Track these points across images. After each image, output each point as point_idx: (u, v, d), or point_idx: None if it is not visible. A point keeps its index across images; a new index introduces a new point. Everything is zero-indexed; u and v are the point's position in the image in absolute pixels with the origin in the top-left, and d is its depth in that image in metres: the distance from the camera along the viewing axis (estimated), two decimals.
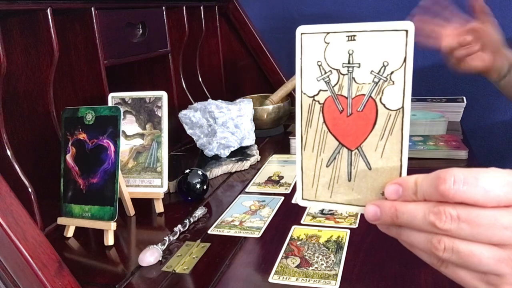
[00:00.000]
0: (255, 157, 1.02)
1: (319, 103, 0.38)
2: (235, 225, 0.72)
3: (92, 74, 0.85)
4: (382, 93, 0.35)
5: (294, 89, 1.27)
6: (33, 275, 0.52)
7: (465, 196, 0.30)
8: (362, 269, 0.58)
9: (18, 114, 0.80)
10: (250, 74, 1.50)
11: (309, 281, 0.56)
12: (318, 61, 0.37)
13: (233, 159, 1.00)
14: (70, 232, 0.72)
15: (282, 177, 0.92)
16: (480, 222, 0.30)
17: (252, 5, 1.57)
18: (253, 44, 1.44)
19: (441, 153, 0.95)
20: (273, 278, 0.57)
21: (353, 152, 0.37)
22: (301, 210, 0.75)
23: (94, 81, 0.85)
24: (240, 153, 1.04)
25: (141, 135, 0.82)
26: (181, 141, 1.15)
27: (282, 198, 0.81)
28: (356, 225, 0.69)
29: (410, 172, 0.36)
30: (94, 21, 0.82)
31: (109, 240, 0.68)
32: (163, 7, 1.06)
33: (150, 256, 0.62)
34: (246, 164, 0.99)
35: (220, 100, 1.06)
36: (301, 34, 0.37)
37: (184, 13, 1.16)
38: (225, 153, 1.02)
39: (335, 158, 0.38)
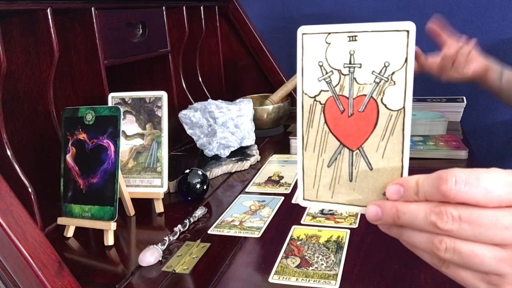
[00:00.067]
0: (255, 157, 1.02)
1: (320, 103, 0.38)
2: (235, 225, 0.72)
3: (92, 74, 0.85)
4: (383, 93, 0.35)
5: (294, 89, 1.28)
6: (33, 275, 0.52)
7: (466, 196, 0.30)
8: (362, 269, 0.58)
9: (18, 114, 0.80)
10: (250, 74, 1.50)
11: (309, 281, 0.56)
12: (319, 62, 0.37)
13: (233, 159, 1.00)
14: (70, 232, 0.72)
15: (282, 177, 0.92)
16: (482, 222, 0.30)
17: (252, 5, 1.57)
18: (253, 44, 1.44)
19: (441, 153, 0.95)
20: (273, 278, 0.57)
21: (354, 153, 0.37)
22: (301, 210, 0.75)
23: (94, 81, 0.85)
24: (240, 153, 1.04)
25: (141, 135, 0.82)
26: (181, 141, 1.15)
27: (282, 198, 0.81)
28: (356, 225, 0.69)
29: (410, 172, 0.36)
30: (94, 21, 0.82)
31: (109, 240, 0.68)
32: (163, 7, 1.06)
33: (150, 256, 0.62)
34: (246, 164, 0.99)
35: (220, 100, 1.06)
36: (302, 34, 0.37)
37: (184, 13, 1.16)
38: (225, 153, 1.02)
39: (336, 158, 0.38)
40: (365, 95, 0.36)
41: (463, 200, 0.30)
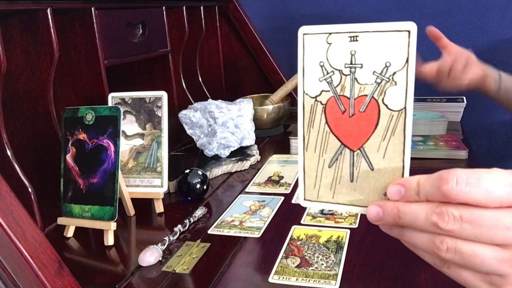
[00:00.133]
0: (255, 157, 1.02)
1: (321, 103, 0.38)
2: (235, 225, 0.72)
3: (92, 74, 0.85)
4: (385, 93, 0.35)
5: (294, 89, 1.28)
6: (33, 275, 0.52)
7: (467, 196, 0.30)
8: (362, 269, 0.58)
9: (18, 114, 0.80)
10: (250, 74, 1.50)
11: (309, 281, 0.56)
12: (320, 62, 0.37)
13: (233, 159, 1.00)
14: (70, 232, 0.72)
15: (282, 177, 0.92)
16: (483, 222, 0.30)
17: (252, 5, 1.57)
18: (253, 44, 1.44)
19: (441, 153, 0.95)
20: (273, 278, 0.57)
21: (355, 153, 0.37)
22: (301, 210, 0.75)
23: (94, 81, 0.85)
24: (240, 153, 1.04)
25: (141, 135, 0.82)
26: (181, 141, 1.15)
27: (282, 198, 0.81)
28: (356, 225, 0.69)
29: (410, 172, 0.36)
30: (94, 21, 0.82)
31: (109, 240, 0.68)
32: (163, 7, 1.06)
33: (150, 256, 0.62)
34: (246, 164, 0.99)
35: (220, 100, 1.06)
36: (303, 34, 0.37)
37: (184, 13, 1.16)
38: (225, 153, 1.02)
39: (337, 158, 0.38)
40: (366, 95, 0.36)
41: (464, 201, 0.30)
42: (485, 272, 0.31)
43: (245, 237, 0.68)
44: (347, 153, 0.37)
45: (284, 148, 1.10)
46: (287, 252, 0.63)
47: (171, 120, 0.90)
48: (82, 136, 0.72)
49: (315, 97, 0.38)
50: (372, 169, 0.37)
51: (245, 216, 0.75)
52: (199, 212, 0.76)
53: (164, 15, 1.06)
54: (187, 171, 0.83)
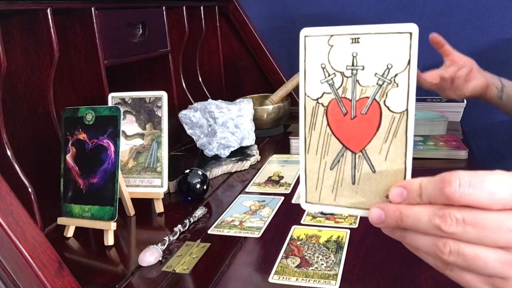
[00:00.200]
0: (255, 157, 1.02)
1: (323, 105, 0.38)
2: (235, 225, 0.72)
3: (92, 74, 0.85)
4: (386, 95, 0.35)
5: (294, 89, 1.28)
6: (33, 275, 0.52)
7: (470, 199, 0.30)
8: (362, 269, 0.58)
9: (18, 114, 0.80)
10: (250, 74, 1.50)
11: (309, 281, 0.56)
12: (321, 64, 0.37)
13: (233, 159, 1.00)
14: (70, 232, 0.72)
15: (282, 177, 0.92)
16: (486, 225, 0.30)
17: (252, 5, 1.57)
18: (253, 44, 1.44)
19: (441, 153, 0.95)
20: (273, 278, 0.57)
21: (357, 155, 0.37)
22: (301, 210, 0.74)
23: (94, 81, 0.85)
24: (240, 153, 1.04)
25: (141, 135, 0.82)
26: (181, 141, 1.15)
27: (282, 198, 0.81)
28: (356, 225, 0.69)
29: (411, 172, 0.36)
30: (94, 21, 0.82)
31: (109, 240, 0.68)
32: (163, 7, 1.06)
33: (150, 256, 0.62)
34: (246, 164, 0.99)
35: (220, 100, 1.06)
36: (305, 36, 0.37)
37: (184, 13, 1.16)
38: (225, 153, 1.02)
39: (339, 161, 0.38)
40: (368, 97, 0.36)
41: (467, 203, 0.30)
42: (488, 275, 0.31)
43: (245, 237, 0.68)
44: (349, 155, 0.37)
45: (284, 148, 1.10)
46: (287, 252, 0.63)
47: (171, 120, 0.90)
48: (82, 136, 0.72)
49: (317, 99, 0.38)
50: (374, 172, 0.37)
51: (245, 216, 0.75)
52: (199, 212, 0.76)
53: (164, 15, 1.06)
54: (187, 171, 0.83)
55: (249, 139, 1.06)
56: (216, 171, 0.95)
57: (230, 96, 1.32)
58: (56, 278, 0.53)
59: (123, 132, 0.82)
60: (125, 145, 0.82)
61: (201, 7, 1.26)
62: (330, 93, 0.37)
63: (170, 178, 0.82)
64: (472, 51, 1.41)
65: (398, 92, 0.35)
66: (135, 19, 0.96)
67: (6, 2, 0.67)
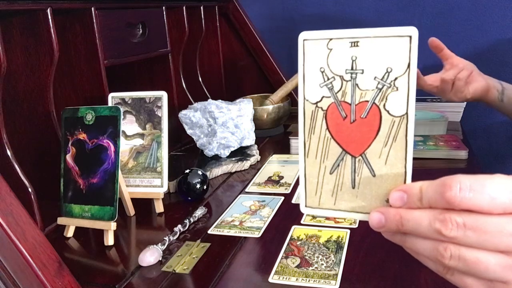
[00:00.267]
0: (255, 157, 1.02)
1: (322, 109, 0.37)
2: (235, 225, 0.72)
3: (92, 74, 0.85)
4: (386, 99, 0.35)
5: (294, 89, 1.28)
6: (33, 275, 0.52)
7: (471, 203, 0.30)
8: (362, 269, 0.58)
9: (18, 114, 0.80)
10: (250, 74, 1.50)
11: (309, 281, 0.56)
12: (321, 68, 0.37)
13: (233, 159, 1.00)
14: (70, 232, 0.72)
15: (282, 177, 0.92)
16: (487, 229, 0.30)
17: (252, 5, 1.57)
18: (253, 44, 1.44)
19: (441, 153, 0.95)
20: (273, 278, 0.57)
21: (357, 159, 0.37)
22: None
23: (94, 81, 0.85)
24: (240, 153, 1.04)
25: (141, 135, 0.82)
26: (181, 141, 1.15)
27: (282, 198, 0.81)
28: (356, 225, 0.69)
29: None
30: (94, 21, 0.82)
31: (109, 240, 0.68)
32: (163, 7, 1.06)
33: (150, 256, 0.62)
34: (246, 164, 0.99)
35: (220, 100, 1.06)
36: (304, 40, 0.37)
37: (184, 13, 1.16)
38: (225, 153, 1.02)
39: (338, 165, 0.38)
40: (368, 101, 0.36)
41: (467, 207, 0.30)
42: (489, 279, 0.31)
43: (245, 237, 0.68)
44: (349, 159, 0.37)
45: (284, 148, 1.10)
46: (287, 252, 0.63)
47: (171, 120, 0.90)
48: (82, 136, 0.72)
49: (316, 103, 0.37)
50: (374, 176, 0.36)
51: (245, 216, 0.75)
52: (199, 212, 0.76)
53: (164, 15, 1.06)
54: (187, 171, 0.83)
55: (249, 139, 1.06)
56: (216, 171, 0.95)
57: (230, 96, 1.32)
58: (56, 278, 0.53)
59: (123, 132, 0.82)
60: (125, 145, 0.82)
61: (201, 7, 1.26)
62: (330, 97, 0.37)
63: (170, 178, 0.82)
64: (472, 51, 1.41)
65: (398, 96, 0.35)
66: (135, 19, 0.96)
67: (6, 2, 0.67)
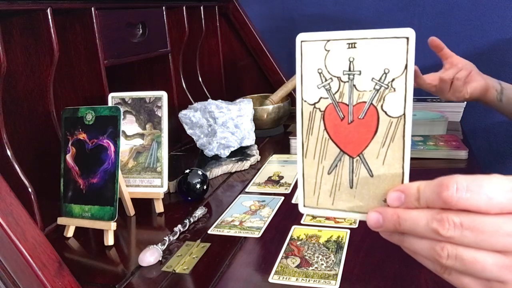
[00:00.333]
0: (255, 157, 1.02)
1: (320, 110, 0.38)
2: (235, 225, 0.72)
3: (92, 74, 0.85)
4: (383, 100, 0.35)
5: (294, 89, 1.27)
6: (33, 275, 0.52)
7: (468, 203, 0.30)
8: (362, 269, 0.58)
9: (18, 114, 0.80)
10: (250, 74, 1.50)
11: (309, 281, 0.56)
12: (318, 69, 0.37)
13: (233, 159, 1.00)
14: (70, 232, 0.72)
15: (282, 177, 0.92)
16: (484, 229, 0.30)
17: (252, 5, 1.57)
18: (253, 44, 1.44)
19: (441, 153, 0.95)
20: (273, 278, 0.57)
21: (354, 159, 0.37)
22: None
23: (94, 81, 0.85)
24: (240, 153, 1.04)
25: (141, 135, 0.82)
26: (181, 141, 1.15)
27: (282, 198, 0.81)
28: (356, 225, 0.69)
29: (410, 172, 0.36)
30: (94, 21, 0.82)
31: (109, 240, 0.68)
32: (163, 7, 1.06)
33: (150, 256, 0.62)
34: (246, 164, 0.99)
35: (220, 100, 1.06)
36: (301, 41, 0.37)
37: (184, 13, 1.16)
38: (225, 153, 1.02)
39: (336, 165, 0.38)
40: (365, 102, 0.36)
41: (464, 207, 0.30)
42: (486, 279, 0.31)
43: (245, 237, 0.68)
44: (347, 159, 0.37)
45: (284, 148, 1.10)
46: (287, 252, 0.63)
47: (171, 120, 0.90)
48: (82, 136, 0.72)
49: (314, 104, 0.38)
50: (372, 176, 0.37)
51: (245, 216, 0.75)
52: (199, 212, 0.76)
53: (164, 15, 1.06)
54: (187, 171, 0.83)
55: (249, 139, 1.06)
56: (216, 171, 0.95)
57: (230, 96, 1.32)
58: (56, 278, 0.53)
59: (123, 132, 0.82)
60: (125, 145, 0.82)
61: (201, 7, 1.26)
62: (327, 98, 0.37)
63: (170, 178, 0.82)
64: (472, 51, 1.41)
65: (395, 97, 0.35)
66: (135, 19, 0.96)
67: (6, 2, 0.67)
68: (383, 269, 0.57)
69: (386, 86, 0.35)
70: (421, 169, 0.89)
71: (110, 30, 0.87)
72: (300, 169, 0.39)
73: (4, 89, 0.69)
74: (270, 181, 0.91)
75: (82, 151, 0.72)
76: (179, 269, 0.60)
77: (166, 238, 0.66)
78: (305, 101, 0.38)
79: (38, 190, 0.69)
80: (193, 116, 1.04)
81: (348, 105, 0.37)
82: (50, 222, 0.73)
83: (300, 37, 0.37)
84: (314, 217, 0.72)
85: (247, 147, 1.06)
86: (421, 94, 1.30)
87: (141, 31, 0.99)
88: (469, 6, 1.40)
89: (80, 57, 0.84)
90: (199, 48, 1.31)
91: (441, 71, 0.99)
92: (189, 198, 0.82)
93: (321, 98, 0.37)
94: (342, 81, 0.36)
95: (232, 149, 1.03)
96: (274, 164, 1.00)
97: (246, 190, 0.87)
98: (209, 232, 0.70)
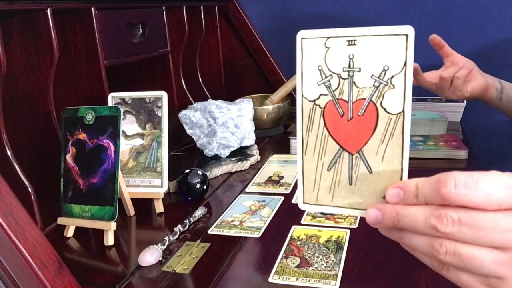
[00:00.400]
0: (255, 157, 1.02)
1: (320, 107, 0.38)
2: (235, 225, 0.72)
3: (92, 74, 0.85)
4: (383, 97, 0.35)
5: (294, 89, 1.28)
6: (33, 275, 0.52)
7: (466, 199, 0.30)
8: (362, 269, 0.58)
9: (18, 114, 0.80)
10: (250, 74, 1.50)
11: (309, 281, 0.56)
12: (318, 66, 0.37)
13: (233, 159, 1.00)
14: (70, 232, 0.72)
15: (282, 177, 0.92)
16: (481, 225, 0.30)
17: (252, 5, 1.57)
18: (253, 44, 1.44)
19: (441, 153, 0.95)
20: (273, 278, 0.57)
21: (354, 156, 0.37)
22: (301, 210, 0.74)
23: (94, 81, 0.85)
24: (240, 153, 1.04)
25: (141, 135, 0.82)
26: (181, 141, 1.15)
27: (282, 198, 0.81)
28: (356, 225, 0.69)
29: (410, 172, 0.36)
30: (94, 21, 0.82)
31: (109, 240, 0.68)
32: (163, 7, 1.06)
33: (150, 256, 0.62)
34: (246, 164, 0.99)
35: (220, 100, 1.06)
36: (302, 38, 0.37)
37: (184, 13, 1.16)
38: (225, 153, 1.02)
39: (336, 162, 0.38)
40: (365, 98, 0.36)
41: (462, 203, 0.30)
42: (484, 275, 0.31)
43: (245, 237, 0.68)
44: (346, 156, 0.38)
45: (284, 148, 1.10)
46: (287, 252, 0.63)
47: (171, 120, 0.90)
48: (82, 136, 0.72)
49: (314, 100, 0.38)
50: (371, 172, 0.37)
51: (245, 216, 0.75)
52: (199, 212, 0.76)
53: (164, 15, 1.06)
54: (187, 171, 0.83)
55: (249, 139, 1.06)
56: (216, 171, 0.95)
57: (230, 96, 1.32)
58: (56, 278, 0.53)
59: (123, 132, 0.82)
60: (125, 145, 0.82)
61: (201, 7, 1.26)
62: (327, 94, 0.37)
63: (170, 178, 0.82)
64: (472, 51, 1.41)
65: (395, 94, 0.35)
66: (135, 19, 0.96)
67: (6, 2, 0.67)
68: (383, 269, 0.57)
69: (385, 83, 0.35)
70: (421, 169, 0.89)
71: (110, 30, 0.87)
72: (300, 165, 0.40)
73: (4, 89, 0.69)
74: (270, 181, 0.91)
75: (82, 151, 0.72)
76: (179, 269, 0.60)
77: (166, 238, 0.66)
78: (305, 97, 0.38)
79: (38, 190, 0.69)
80: (193, 116, 1.04)
81: (347, 102, 0.37)
82: (50, 222, 0.73)
83: (301, 34, 0.37)
84: (314, 217, 0.72)
85: (247, 147, 1.06)
86: (421, 94, 1.30)
87: (141, 31, 0.99)
88: (469, 6, 1.40)
89: (80, 57, 0.84)
90: (199, 48, 1.31)
91: (441, 69, 0.99)
92: (189, 198, 0.82)
93: (321, 94, 0.38)
94: (342, 78, 0.37)
95: (232, 149, 1.03)
96: (274, 164, 1.00)
97: (246, 190, 0.87)
98: (209, 232, 0.70)
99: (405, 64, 0.34)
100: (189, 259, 0.63)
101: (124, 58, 0.93)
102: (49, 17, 0.74)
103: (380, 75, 0.35)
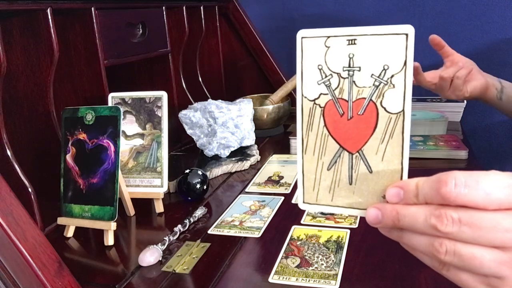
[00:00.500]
0: (255, 157, 1.02)
1: (320, 106, 0.38)
2: (235, 225, 0.72)
3: (92, 74, 0.85)
4: (383, 96, 0.35)
5: (294, 89, 1.28)
6: (33, 275, 0.52)
7: (466, 199, 0.30)
8: (362, 269, 0.58)
9: (18, 114, 0.80)
10: (250, 74, 1.50)
11: (309, 281, 0.56)
12: (318, 65, 0.37)
13: (233, 159, 1.00)
14: (70, 232, 0.72)
15: (282, 177, 0.92)
16: (482, 225, 0.30)
17: (252, 5, 1.57)
18: (253, 44, 1.44)
19: (441, 153, 0.95)
20: (273, 278, 0.57)
21: (354, 156, 0.37)
22: (301, 210, 0.74)
23: (94, 81, 0.85)
24: (240, 153, 1.04)
25: (141, 135, 0.82)
26: (181, 141, 1.15)
27: (282, 198, 0.81)
28: (356, 225, 0.69)
29: (410, 172, 0.36)
30: (94, 21, 0.82)
31: (109, 240, 0.68)
32: (163, 7, 1.06)
33: (150, 256, 0.62)
34: (246, 164, 0.99)
35: (220, 100, 1.06)
36: (302, 38, 0.37)
37: (184, 13, 1.16)
38: (225, 153, 1.02)
39: (336, 161, 0.38)
40: (365, 98, 0.36)
41: (463, 203, 0.30)
42: (484, 275, 0.31)
43: (245, 237, 0.68)
44: (346, 156, 0.38)
45: (284, 148, 1.10)
46: (287, 252, 0.63)
47: (171, 120, 0.90)
48: (82, 136, 0.72)
49: (314, 100, 0.38)
50: (371, 172, 0.37)
51: (245, 216, 0.75)
52: (199, 212, 0.76)
53: (164, 15, 1.06)
54: (187, 171, 0.83)
55: (249, 139, 1.06)
56: (216, 171, 0.95)
57: (230, 96, 1.32)
58: (56, 278, 0.53)
59: (123, 132, 0.82)
60: (125, 145, 0.82)
61: (201, 7, 1.26)
62: (327, 94, 0.37)
63: (170, 178, 0.82)
64: (472, 51, 1.41)
65: (395, 93, 0.35)
66: (135, 19, 0.96)
67: (6, 2, 0.67)
68: (383, 269, 0.57)
69: (385, 82, 0.35)
70: (421, 169, 0.89)
71: (110, 30, 0.87)
72: (300, 165, 0.40)
73: (4, 89, 0.69)
74: (270, 181, 0.91)
75: (82, 151, 0.72)
76: (179, 269, 0.60)
77: (166, 238, 0.66)
78: (305, 97, 0.38)
79: (38, 190, 0.69)
80: (193, 116, 1.04)
81: (347, 101, 0.37)
82: (50, 222, 0.73)
83: (301, 33, 0.37)
84: (314, 217, 0.72)
85: (247, 147, 1.06)
86: (421, 94, 1.30)
87: (141, 31, 0.99)
88: (469, 6, 1.40)
89: (80, 57, 0.84)
90: (199, 48, 1.31)
91: (441, 69, 0.99)
92: (189, 198, 0.82)
93: (321, 94, 0.38)
94: (342, 77, 0.37)
95: (232, 149, 1.03)
96: (274, 164, 1.00)
97: (246, 190, 0.87)
98: (209, 232, 0.70)
99: (405, 64, 0.34)
100: (189, 259, 0.63)
101: (124, 58, 0.93)
102: (49, 17, 0.74)
103: (380, 74, 0.35)
